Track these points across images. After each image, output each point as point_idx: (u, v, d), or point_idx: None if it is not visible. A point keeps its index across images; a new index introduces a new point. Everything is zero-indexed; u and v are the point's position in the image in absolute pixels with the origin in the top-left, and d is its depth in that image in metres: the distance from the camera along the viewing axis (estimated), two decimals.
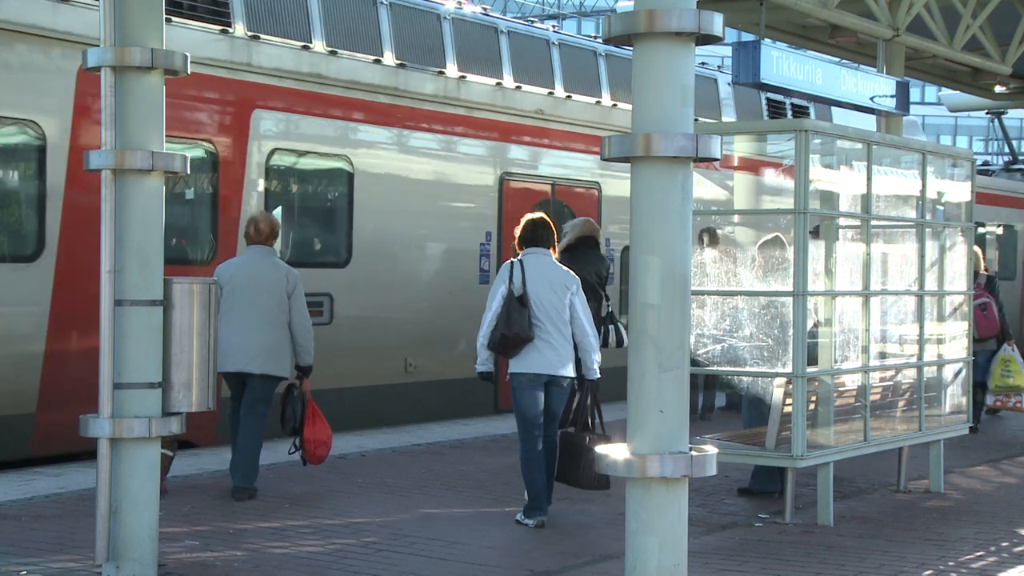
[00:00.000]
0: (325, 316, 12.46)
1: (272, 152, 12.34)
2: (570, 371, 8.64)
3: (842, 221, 9.37)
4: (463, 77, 14.19)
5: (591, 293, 11.61)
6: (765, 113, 18.90)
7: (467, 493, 9.59)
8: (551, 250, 8.84)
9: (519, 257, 8.78)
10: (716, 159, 5.13)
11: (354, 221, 13.06)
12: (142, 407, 6.60)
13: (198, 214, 12.08)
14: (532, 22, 18.95)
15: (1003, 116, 26.96)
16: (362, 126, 13.21)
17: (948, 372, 10.41)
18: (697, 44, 5.14)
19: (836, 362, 9.05)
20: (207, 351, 6.79)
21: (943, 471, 10.14)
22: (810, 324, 8.80)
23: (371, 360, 13.16)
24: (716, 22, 5.07)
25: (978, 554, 7.94)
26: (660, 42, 5.06)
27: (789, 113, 19.19)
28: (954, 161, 10.82)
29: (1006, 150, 28.85)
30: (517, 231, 8.88)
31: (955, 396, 10.51)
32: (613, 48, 16.38)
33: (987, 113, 27.46)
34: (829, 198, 9.38)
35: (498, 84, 14.67)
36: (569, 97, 15.62)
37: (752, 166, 15.73)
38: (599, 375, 8.78)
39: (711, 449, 5.21)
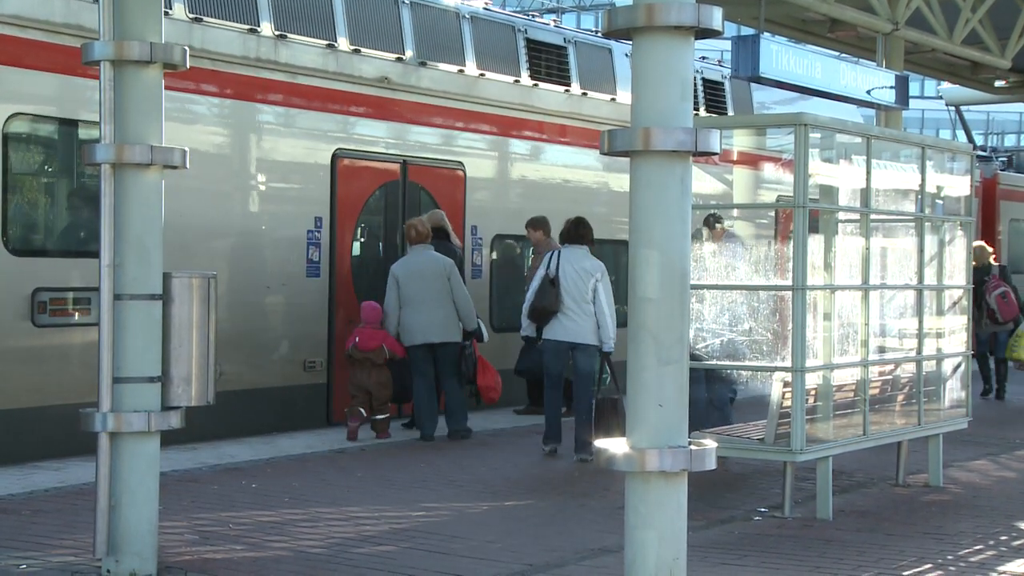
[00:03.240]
0: (93, 315, 9.46)
1: (11, 118, 10.37)
2: (590, 339, 10.88)
3: (841, 215, 9.37)
4: (282, 36, 12.27)
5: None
6: None
7: (467, 488, 9.60)
8: (588, 244, 11.17)
9: (562, 247, 11.26)
10: (715, 153, 5.13)
11: None
12: (141, 401, 6.60)
13: None
14: (534, 16, 18.06)
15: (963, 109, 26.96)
16: None
17: (947, 366, 10.41)
18: (696, 38, 5.14)
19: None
20: (206, 345, 6.78)
21: (942, 465, 10.14)
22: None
23: None
24: (715, 16, 5.07)
25: (977, 548, 7.94)
26: (659, 36, 5.06)
27: (699, 86, 17.46)
28: (953, 155, 10.81)
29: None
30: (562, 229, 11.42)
31: (954, 390, 10.51)
32: (479, 10, 14.67)
33: (946, 105, 27.53)
34: (828, 192, 9.38)
35: (330, 46, 12.73)
36: (424, 64, 13.70)
37: (744, 156, 15.56)
38: (612, 348, 10.91)
39: (710, 443, 5.21)
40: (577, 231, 11.21)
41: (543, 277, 11.00)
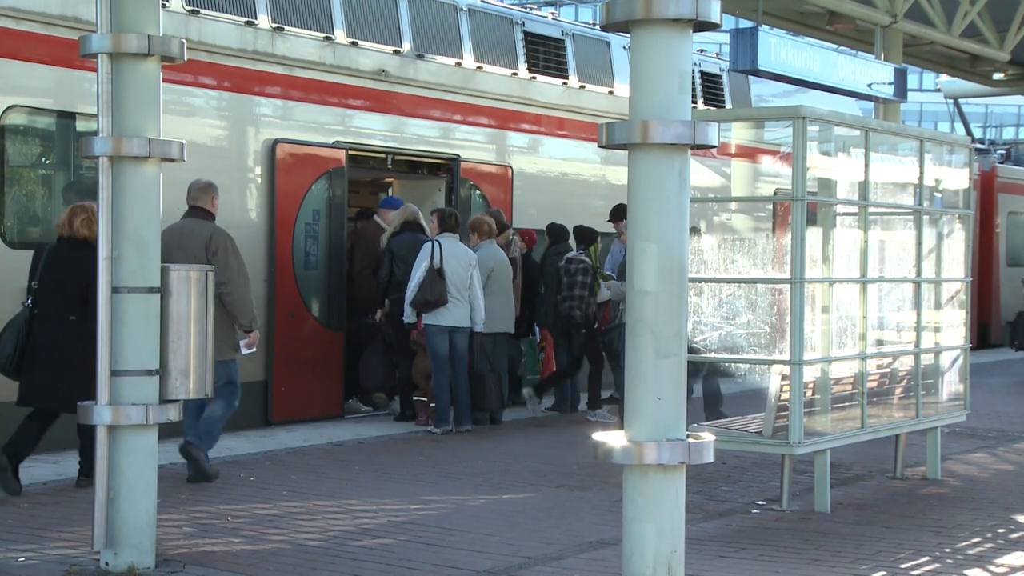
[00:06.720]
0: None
1: (8, 110, 10.40)
2: (467, 322, 11.83)
3: (839, 208, 9.37)
4: (279, 29, 12.24)
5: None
6: None
7: (464, 480, 9.60)
8: (458, 233, 12.06)
9: (436, 238, 11.85)
10: (713, 146, 5.13)
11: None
12: (140, 394, 6.60)
13: None
14: (531, 9, 18.01)
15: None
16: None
17: (945, 359, 10.41)
18: (695, 31, 5.14)
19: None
20: (204, 338, 6.79)
21: (940, 458, 10.15)
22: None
23: None
24: (713, 8, 5.06)
25: (975, 540, 7.95)
26: (657, 28, 5.06)
27: (698, 78, 17.35)
28: (951, 148, 10.80)
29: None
30: (434, 219, 12.11)
31: (952, 383, 10.51)
32: (476, 2, 14.59)
33: (944, 98, 27.53)
34: (827, 185, 9.37)
35: (327, 39, 12.69)
36: (421, 57, 13.69)
37: (743, 149, 15.43)
38: (483, 328, 11.98)
39: (708, 436, 5.21)
40: (450, 222, 12.01)
41: (430, 269, 11.61)
